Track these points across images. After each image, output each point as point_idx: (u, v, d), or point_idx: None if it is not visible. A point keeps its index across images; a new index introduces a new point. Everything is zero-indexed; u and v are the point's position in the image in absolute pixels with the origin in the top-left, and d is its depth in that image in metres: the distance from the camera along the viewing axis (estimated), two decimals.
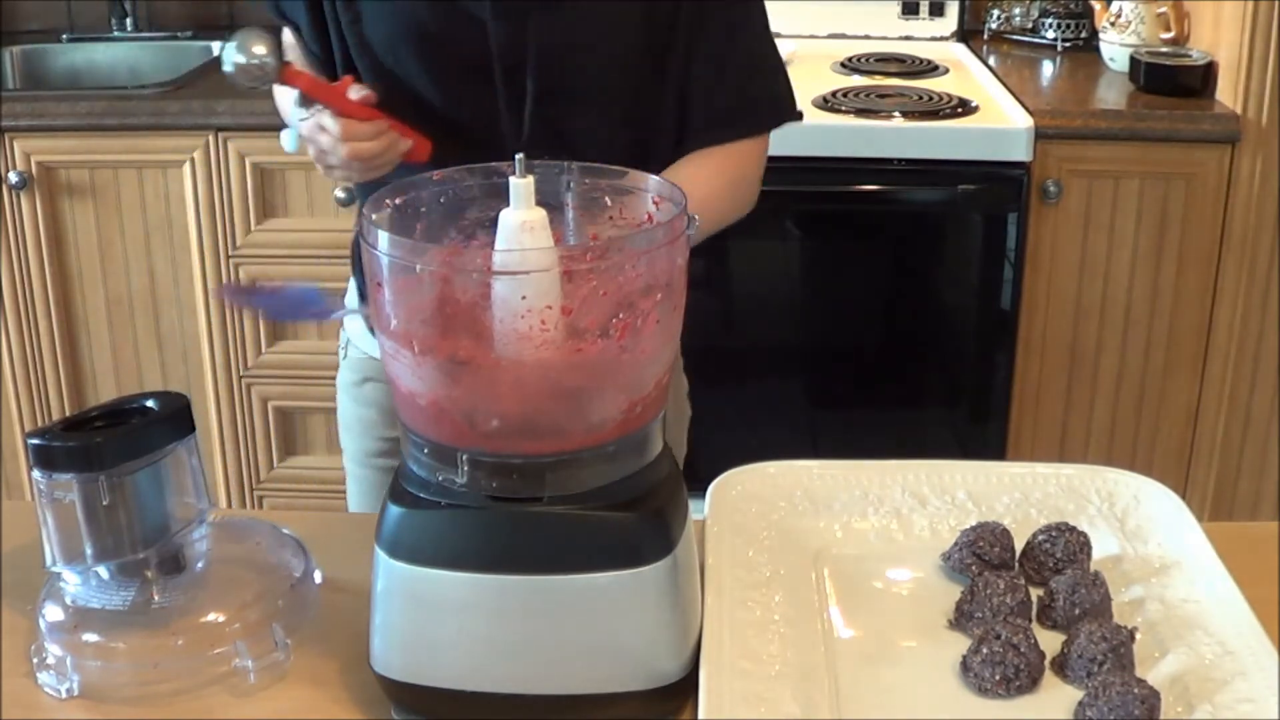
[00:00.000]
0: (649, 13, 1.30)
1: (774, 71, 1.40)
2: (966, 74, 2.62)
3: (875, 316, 2.53)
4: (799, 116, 1.43)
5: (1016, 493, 1.14)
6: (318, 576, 1.08)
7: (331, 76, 1.34)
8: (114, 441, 0.98)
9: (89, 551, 0.99)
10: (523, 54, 1.29)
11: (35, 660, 0.99)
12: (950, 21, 2.84)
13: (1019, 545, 1.07)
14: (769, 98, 1.39)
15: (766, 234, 2.43)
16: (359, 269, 1.53)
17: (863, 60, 2.68)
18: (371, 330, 1.49)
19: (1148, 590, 1.03)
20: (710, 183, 1.34)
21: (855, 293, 2.48)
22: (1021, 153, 2.29)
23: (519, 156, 0.88)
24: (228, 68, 1.22)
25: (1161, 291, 2.40)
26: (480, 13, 1.28)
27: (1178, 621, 0.98)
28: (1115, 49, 2.59)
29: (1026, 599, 1.00)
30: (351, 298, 1.56)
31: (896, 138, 2.30)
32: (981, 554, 1.04)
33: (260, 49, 1.21)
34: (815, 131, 2.27)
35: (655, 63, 1.32)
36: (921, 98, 2.42)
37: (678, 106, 1.35)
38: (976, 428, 2.51)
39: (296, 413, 2.61)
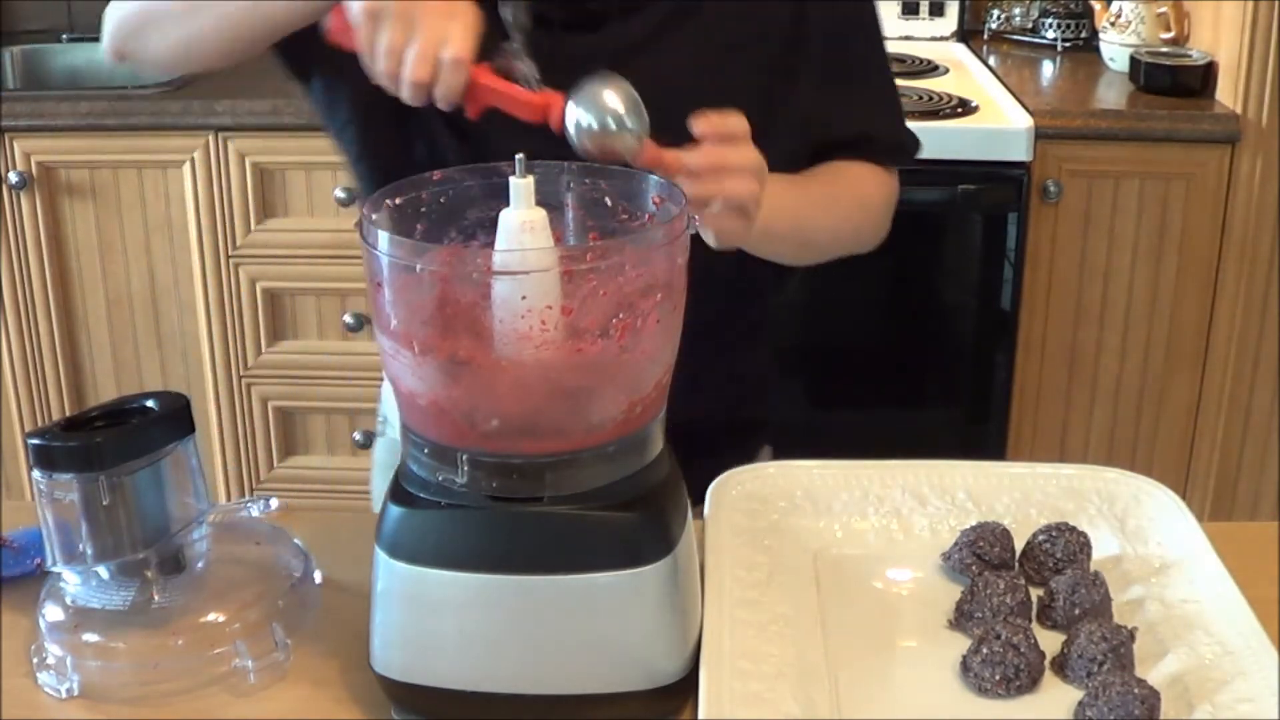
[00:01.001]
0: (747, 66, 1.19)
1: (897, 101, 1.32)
2: (966, 74, 2.62)
3: (875, 316, 2.53)
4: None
5: (1016, 493, 1.14)
6: (318, 576, 1.08)
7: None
8: (114, 441, 0.98)
9: (89, 551, 0.99)
10: None
11: (35, 660, 0.99)
12: (950, 21, 2.84)
13: (1019, 545, 1.07)
14: (897, 130, 1.31)
15: None
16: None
17: None
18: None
19: (1148, 590, 1.03)
20: (852, 189, 1.25)
21: (855, 293, 2.48)
22: (1021, 153, 2.29)
23: (519, 156, 0.88)
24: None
25: (1161, 291, 2.40)
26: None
27: (1178, 621, 0.98)
28: (1115, 49, 2.59)
29: (1026, 599, 1.00)
30: (390, 409, 1.37)
31: None
32: (981, 554, 1.04)
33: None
34: None
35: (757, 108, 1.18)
36: (921, 98, 2.42)
37: (791, 136, 1.21)
38: (976, 428, 2.51)
39: (296, 413, 2.61)
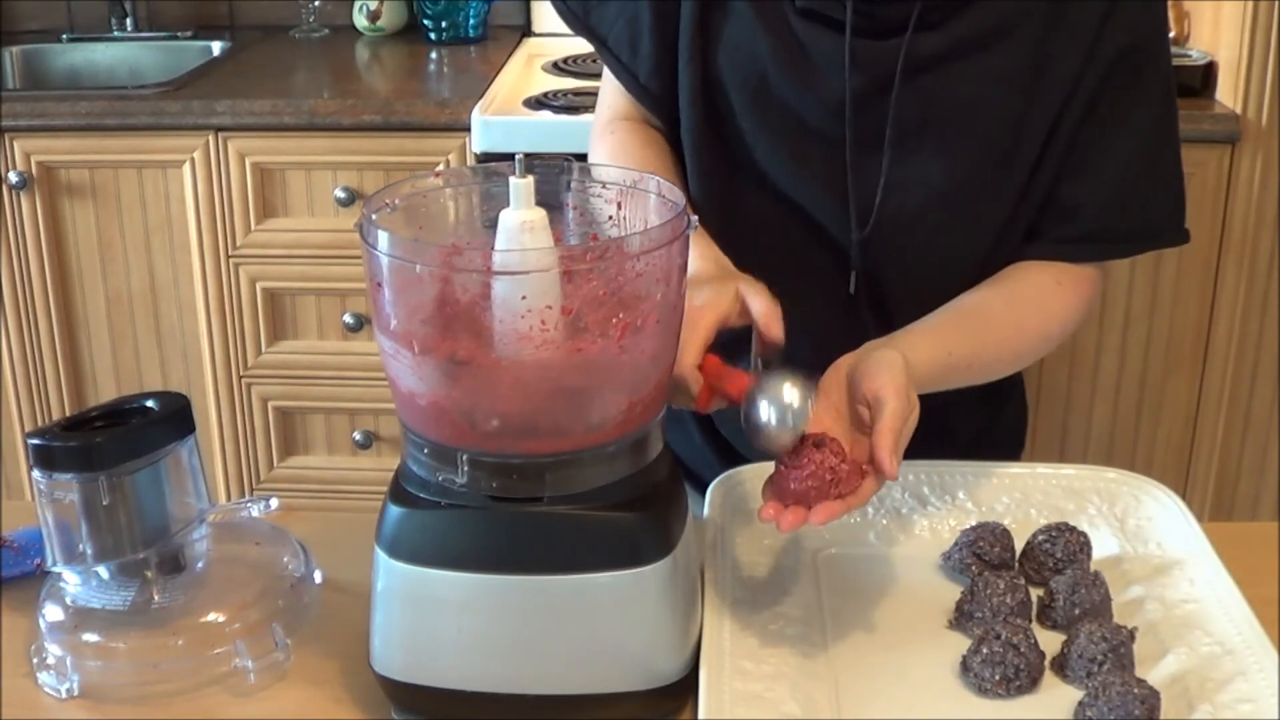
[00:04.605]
0: (1029, 92, 1.15)
1: (1166, 182, 1.25)
2: None
3: None
4: (1183, 238, 1.26)
5: (1016, 493, 1.14)
6: (318, 576, 1.08)
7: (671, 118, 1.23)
8: (114, 441, 0.98)
9: (89, 551, 0.99)
10: (880, 129, 1.16)
11: (35, 660, 0.99)
12: None
13: (1019, 545, 1.07)
14: (1147, 215, 1.25)
15: None
16: None
17: None
18: None
19: (1148, 590, 1.03)
20: (1038, 326, 1.19)
21: None
22: None
23: (518, 156, 0.88)
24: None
25: (1161, 291, 2.40)
26: (836, 79, 1.15)
27: (1178, 621, 0.98)
28: None
29: (1026, 599, 1.00)
30: None
31: None
32: (981, 554, 1.05)
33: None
34: None
35: (1022, 147, 1.17)
36: None
37: (1031, 204, 1.20)
38: None
39: (296, 413, 2.61)
